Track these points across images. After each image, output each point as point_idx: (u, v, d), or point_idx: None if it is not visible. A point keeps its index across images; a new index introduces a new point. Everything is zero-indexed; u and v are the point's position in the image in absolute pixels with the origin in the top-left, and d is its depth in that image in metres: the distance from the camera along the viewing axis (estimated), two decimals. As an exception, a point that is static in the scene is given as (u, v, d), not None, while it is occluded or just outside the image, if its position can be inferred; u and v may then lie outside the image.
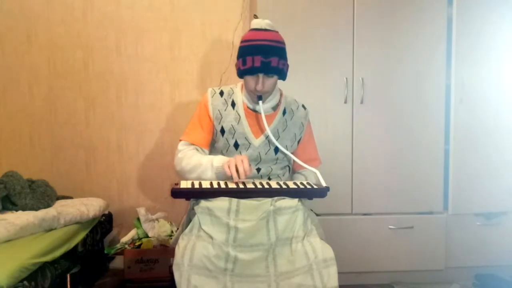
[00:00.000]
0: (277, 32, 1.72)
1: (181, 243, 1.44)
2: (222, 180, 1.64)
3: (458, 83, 2.42)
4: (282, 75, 1.72)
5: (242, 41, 1.71)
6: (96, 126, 2.73)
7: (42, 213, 2.03)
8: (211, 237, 1.42)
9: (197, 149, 1.76)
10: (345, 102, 2.40)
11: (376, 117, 2.42)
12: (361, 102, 2.40)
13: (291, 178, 1.89)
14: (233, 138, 1.75)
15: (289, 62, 1.75)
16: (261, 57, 1.63)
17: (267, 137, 1.75)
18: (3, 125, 2.69)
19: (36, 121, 2.70)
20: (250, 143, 1.75)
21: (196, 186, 1.54)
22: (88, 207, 2.29)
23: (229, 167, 1.57)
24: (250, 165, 1.60)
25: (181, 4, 2.71)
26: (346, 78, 2.39)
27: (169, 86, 2.75)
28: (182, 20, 2.72)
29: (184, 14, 2.72)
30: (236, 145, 1.75)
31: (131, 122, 2.74)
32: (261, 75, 1.66)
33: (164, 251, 2.41)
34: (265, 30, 1.69)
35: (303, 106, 1.89)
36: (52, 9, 2.66)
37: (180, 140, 1.80)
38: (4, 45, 2.66)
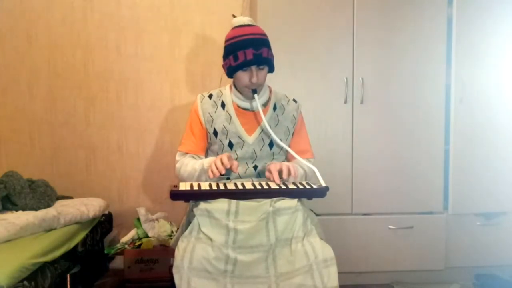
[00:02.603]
0: (258, 26, 1.76)
1: (181, 245, 1.44)
2: (217, 181, 1.65)
3: (458, 83, 2.41)
4: (271, 66, 1.76)
5: (227, 40, 1.73)
6: (96, 126, 2.73)
7: (42, 213, 2.03)
8: (211, 239, 1.43)
9: (193, 157, 1.79)
10: (345, 102, 2.40)
11: (376, 117, 2.42)
12: (361, 102, 2.40)
13: None
14: (226, 138, 1.75)
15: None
16: (253, 50, 1.65)
17: (260, 133, 1.77)
18: (3, 125, 2.69)
19: (36, 121, 2.70)
20: (244, 141, 1.76)
21: (195, 187, 1.54)
22: (88, 207, 2.29)
23: (211, 169, 1.59)
24: (231, 159, 1.62)
25: (181, 4, 2.71)
26: (346, 78, 2.39)
27: (169, 86, 2.75)
28: (182, 20, 2.72)
29: (184, 14, 2.71)
30: (231, 145, 1.75)
31: (131, 122, 2.74)
32: (254, 68, 1.69)
33: (164, 251, 2.41)
34: (248, 25, 1.72)
35: (294, 100, 1.90)
36: (52, 9, 2.66)
37: (178, 151, 1.83)
38: (4, 45, 2.66)
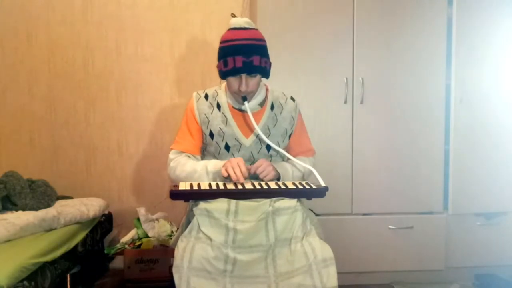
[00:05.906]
0: (256, 29, 1.69)
1: (180, 245, 1.44)
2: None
3: (458, 83, 2.41)
4: (265, 73, 1.70)
5: (221, 42, 1.68)
6: (96, 126, 2.73)
7: (42, 213, 2.03)
8: (210, 239, 1.42)
9: (188, 157, 1.76)
10: (345, 102, 2.40)
11: (376, 117, 2.42)
12: (361, 102, 2.40)
13: None
14: (223, 140, 1.73)
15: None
16: (243, 57, 1.60)
17: (257, 135, 1.74)
18: (3, 125, 2.69)
19: (36, 121, 2.70)
20: (241, 144, 1.74)
21: (195, 187, 1.54)
22: (88, 207, 2.29)
23: (226, 170, 1.58)
24: (245, 166, 1.61)
25: (181, 4, 2.71)
26: (346, 78, 2.39)
27: (169, 86, 2.75)
28: (182, 20, 2.72)
29: (184, 14, 2.72)
30: (227, 147, 1.73)
31: (131, 122, 2.74)
32: (244, 76, 1.63)
33: (164, 251, 2.41)
34: (244, 28, 1.66)
35: (291, 98, 1.85)
36: (52, 9, 2.66)
37: (171, 149, 1.79)
38: (4, 45, 2.66)
